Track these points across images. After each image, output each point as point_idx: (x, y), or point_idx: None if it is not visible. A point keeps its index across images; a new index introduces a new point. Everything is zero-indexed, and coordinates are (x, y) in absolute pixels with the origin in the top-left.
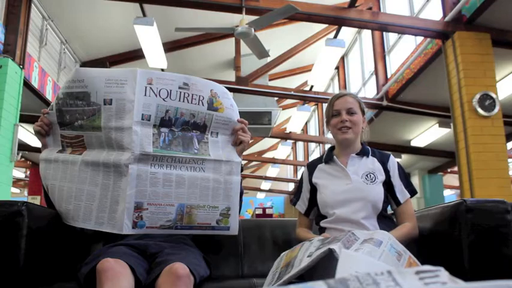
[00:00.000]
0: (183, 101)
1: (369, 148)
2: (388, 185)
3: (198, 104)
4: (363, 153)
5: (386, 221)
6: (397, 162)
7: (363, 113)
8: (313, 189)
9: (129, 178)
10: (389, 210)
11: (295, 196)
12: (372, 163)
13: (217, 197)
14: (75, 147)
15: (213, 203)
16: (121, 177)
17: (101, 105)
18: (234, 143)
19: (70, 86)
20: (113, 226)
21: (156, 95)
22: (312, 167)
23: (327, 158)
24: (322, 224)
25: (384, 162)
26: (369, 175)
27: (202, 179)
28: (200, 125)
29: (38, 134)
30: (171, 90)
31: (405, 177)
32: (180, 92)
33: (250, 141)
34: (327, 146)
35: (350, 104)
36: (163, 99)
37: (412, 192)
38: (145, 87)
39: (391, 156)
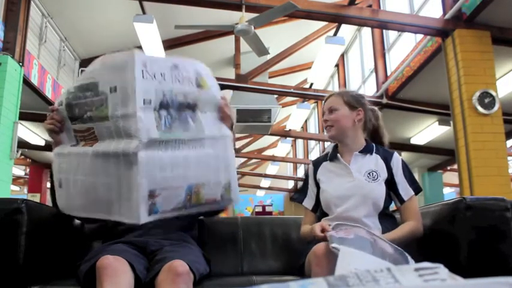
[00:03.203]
0: (176, 83)
1: (373, 145)
2: (390, 182)
3: (188, 85)
4: (366, 150)
5: (388, 219)
6: (402, 160)
7: (352, 106)
8: (318, 186)
9: (139, 166)
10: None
11: (300, 193)
12: (375, 161)
13: (219, 172)
14: (88, 140)
15: (216, 179)
16: (132, 166)
17: (108, 93)
18: (221, 119)
19: (81, 79)
20: (129, 216)
21: (152, 78)
22: (317, 164)
23: (332, 156)
24: (324, 221)
25: (387, 159)
26: (371, 173)
27: (204, 157)
28: (192, 105)
29: (52, 132)
30: (164, 73)
31: (409, 174)
32: (172, 74)
33: (250, 139)
34: (327, 144)
35: (330, 103)
36: (159, 82)
37: (417, 189)
38: (142, 71)
39: (395, 154)
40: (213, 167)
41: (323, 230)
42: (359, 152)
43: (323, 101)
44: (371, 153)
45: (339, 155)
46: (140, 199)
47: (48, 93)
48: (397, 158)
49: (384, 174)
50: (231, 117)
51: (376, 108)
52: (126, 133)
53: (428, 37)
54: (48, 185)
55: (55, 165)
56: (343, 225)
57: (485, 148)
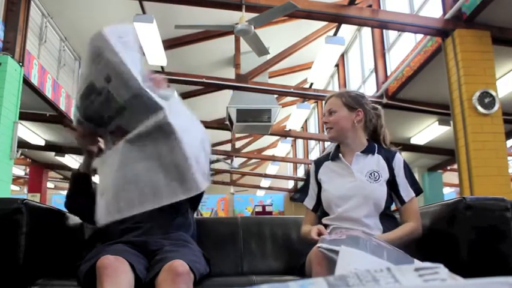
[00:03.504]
0: (139, 52)
1: (375, 145)
2: (392, 183)
3: (140, 53)
4: (368, 150)
5: (389, 219)
6: (403, 160)
7: (351, 107)
8: (319, 185)
9: (177, 133)
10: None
11: (302, 193)
12: (376, 161)
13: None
14: (124, 136)
15: (199, 132)
16: (169, 137)
17: (106, 86)
18: (156, 85)
19: (79, 89)
20: (188, 190)
21: (130, 48)
22: (319, 163)
23: (334, 155)
24: (324, 221)
25: (388, 160)
26: (372, 174)
27: (187, 116)
28: (144, 74)
29: (86, 146)
30: (134, 42)
31: (411, 175)
32: (135, 42)
33: (250, 139)
34: (327, 144)
35: (329, 105)
36: (135, 51)
37: (417, 190)
38: (121, 42)
39: (397, 154)
40: (192, 123)
41: (319, 234)
42: (361, 152)
43: (324, 102)
44: (373, 154)
45: (340, 154)
46: (192, 166)
47: (48, 93)
48: (399, 159)
49: (385, 175)
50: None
51: (378, 106)
52: (147, 110)
53: (428, 37)
54: (49, 184)
55: (98, 176)
56: (341, 229)
57: (485, 148)
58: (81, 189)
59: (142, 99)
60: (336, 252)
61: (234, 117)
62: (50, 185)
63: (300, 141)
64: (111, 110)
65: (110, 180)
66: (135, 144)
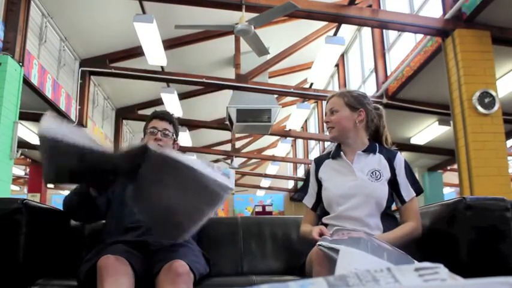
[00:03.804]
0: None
1: (377, 145)
2: (393, 182)
3: None
4: (369, 150)
5: (390, 219)
6: (404, 160)
7: (353, 107)
8: (320, 184)
9: (175, 157)
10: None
11: (302, 191)
12: (378, 160)
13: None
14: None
15: None
16: (175, 162)
17: (83, 164)
18: None
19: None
20: (217, 196)
21: (71, 128)
22: (319, 162)
23: (335, 154)
24: (324, 220)
25: (390, 159)
26: (374, 173)
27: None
28: None
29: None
30: (65, 122)
31: (411, 175)
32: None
33: (250, 139)
34: (327, 144)
35: (331, 105)
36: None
37: (418, 190)
38: (63, 130)
39: (398, 154)
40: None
41: (321, 234)
42: (362, 151)
43: (326, 102)
44: (374, 153)
45: (342, 153)
46: (211, 174)
47: (48, 93)
48: (400, 159)
49: (387, 174)
50: None
51: (380, 106)
52: (135, 158)
53: (428, 37)
54: (49, 184)
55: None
56: (343, 231)
57: (485, 148)
58: (85, 204)
59: (122, 155)
60: (336, 251)
61: (234, 117)
62: (49, 184)
63: (300, 141)
64: (105, 173)
65: (150, 216)
66: (149, 182)
